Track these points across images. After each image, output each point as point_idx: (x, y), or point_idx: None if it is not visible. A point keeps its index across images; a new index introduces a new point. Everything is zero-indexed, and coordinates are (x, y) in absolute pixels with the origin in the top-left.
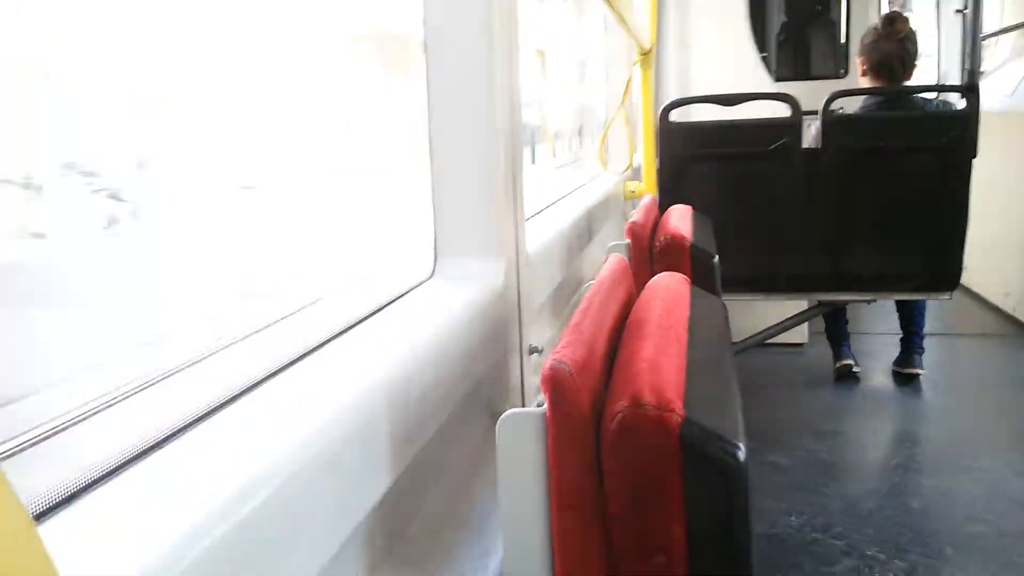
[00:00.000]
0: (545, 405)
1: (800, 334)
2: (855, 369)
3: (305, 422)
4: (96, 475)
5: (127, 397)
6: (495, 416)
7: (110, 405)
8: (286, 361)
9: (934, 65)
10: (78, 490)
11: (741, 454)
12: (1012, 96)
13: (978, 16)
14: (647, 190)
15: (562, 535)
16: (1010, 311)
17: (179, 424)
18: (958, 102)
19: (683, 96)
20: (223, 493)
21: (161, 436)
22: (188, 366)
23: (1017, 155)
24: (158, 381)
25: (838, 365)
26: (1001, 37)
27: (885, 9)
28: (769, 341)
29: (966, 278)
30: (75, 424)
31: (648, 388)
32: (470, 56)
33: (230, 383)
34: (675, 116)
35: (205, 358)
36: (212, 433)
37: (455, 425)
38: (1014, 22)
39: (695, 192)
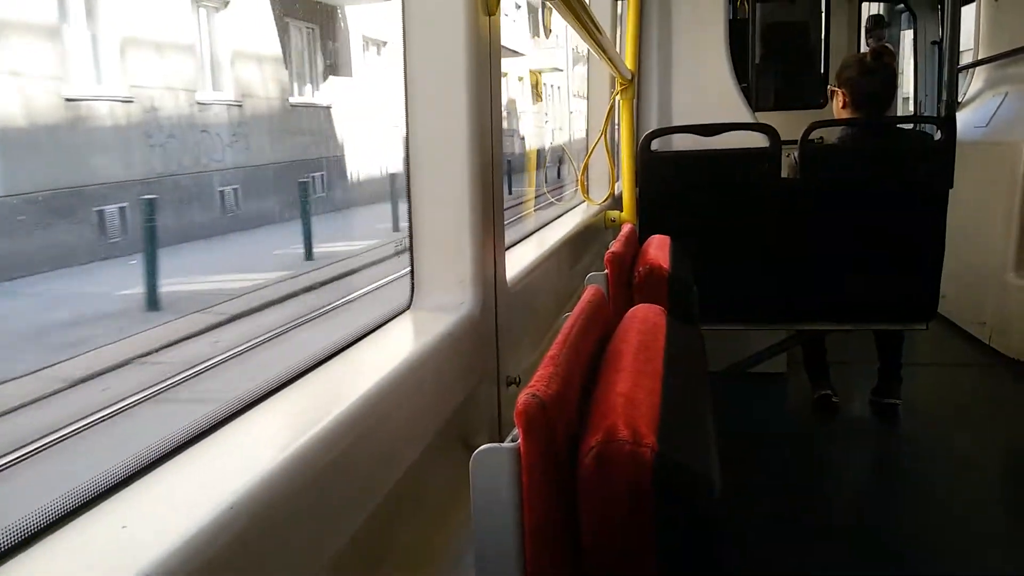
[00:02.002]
0: (519, 440)
1: (779, 363)
2: (833, 399)
3: (277, 455)
4: (59, 512)
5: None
6: (472, 448)
7: (80, 431)
8: (260, 393)
9: (909, 95)
10: (35, 532)
11: (714, 489)
12: (987, 127)
13: (954, 48)
14: (627, 219)
15: (536, 570)
16: (986, 340)
17: (147, 459)
18: (935, 133)
19: (663, 126)
20: (191, 529)
21: (128, 472)
22: (156, 393)
23: (992, 185)
24: (118, 413)
25: (817, 395)
26: (976, 69)
27: (863, 40)
28: (748, 370)
29: (943, 307)
30: (32, 456)
31: (623, 422)
32: (450, 87)
33: (200, 416)
34: (656, 146)
35: (174, 386)
36: (180, 469)
37: (431, 458)
38: (988, 54)
39: (675, 221)
